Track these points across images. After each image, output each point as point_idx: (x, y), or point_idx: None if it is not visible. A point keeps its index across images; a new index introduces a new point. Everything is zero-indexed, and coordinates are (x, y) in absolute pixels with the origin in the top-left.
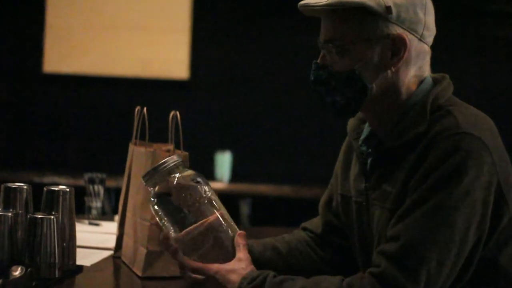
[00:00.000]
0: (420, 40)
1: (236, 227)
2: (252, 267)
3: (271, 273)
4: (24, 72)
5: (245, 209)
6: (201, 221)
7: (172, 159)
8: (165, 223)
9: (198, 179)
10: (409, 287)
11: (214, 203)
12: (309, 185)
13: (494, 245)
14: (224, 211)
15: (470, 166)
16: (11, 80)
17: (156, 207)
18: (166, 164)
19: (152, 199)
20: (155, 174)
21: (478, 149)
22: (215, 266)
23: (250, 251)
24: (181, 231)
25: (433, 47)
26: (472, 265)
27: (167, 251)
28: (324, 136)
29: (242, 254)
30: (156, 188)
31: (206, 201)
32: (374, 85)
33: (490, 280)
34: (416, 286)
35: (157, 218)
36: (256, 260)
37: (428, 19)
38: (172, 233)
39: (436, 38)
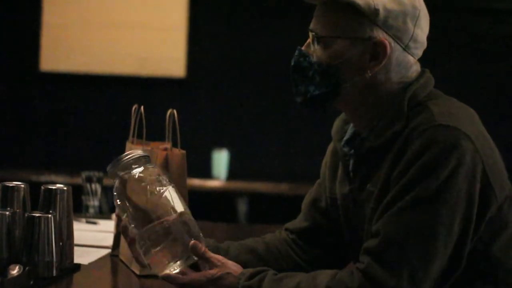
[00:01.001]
0: (404, 50)
1: (196, 228)
2: (239, 266)
3: (271, 271)
4: (21, 71)
5: (242, 206)
6: (161, 220)
7: (136, 153)
8: (125, 217)
9: (159, 176)
10: (392, 281)
11: (172, 201)
12: (306, 182)
13: (486, 236)
14: (185, 208)
15: (449, 157)
16: (8, 79)
17: (117, 200)
18: (129, 157)
19: (114, 193)
20: (118, 165)
21: (456, 139)
22: (200, 277)
23: (225, 254)
24: (138, 224)
25: (431, 45)
26: (463, 256)
27: (126, 241)
28: (320, 134)
29: (217, 256)
30: (118, 181)
31: (164, 198)
32: (349, 84)
33: (485, 271)
34: (399, 280)
35: (118, 211)
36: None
37: (418, 31)
38: (132, 227)
39: (434, 36)
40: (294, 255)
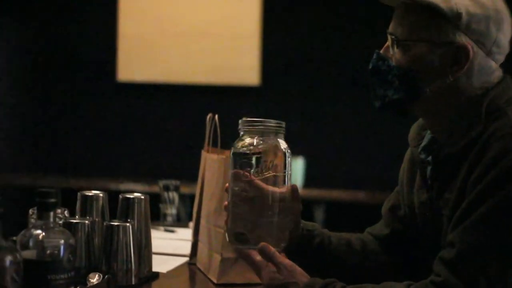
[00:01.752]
0: (486, 55)
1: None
2: (307, 275)
3: (339, 283)
4: (99, 82)
5: (319, 214)
6: (263, 195)
7: (276, 123)
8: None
9: (273, 158)
10: None
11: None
12: (383, 190)
13: None
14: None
15: None
16: (87, 89)
17: (231, 158)
18: (263, 124)
19: (232, 156)
20: (248, 125)
21: None
22: (268, 278)
23: (329, 243)
24: (238, 192)
25: None
26: None
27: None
28: (397, 141)
29: (287, 262)
30: (240, 144)
31: (268, 178)
32: (428, 89)
33: None
34: None
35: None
36: (332, 252)
37: (501, 36)
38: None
39: None
40: (382, 257)
